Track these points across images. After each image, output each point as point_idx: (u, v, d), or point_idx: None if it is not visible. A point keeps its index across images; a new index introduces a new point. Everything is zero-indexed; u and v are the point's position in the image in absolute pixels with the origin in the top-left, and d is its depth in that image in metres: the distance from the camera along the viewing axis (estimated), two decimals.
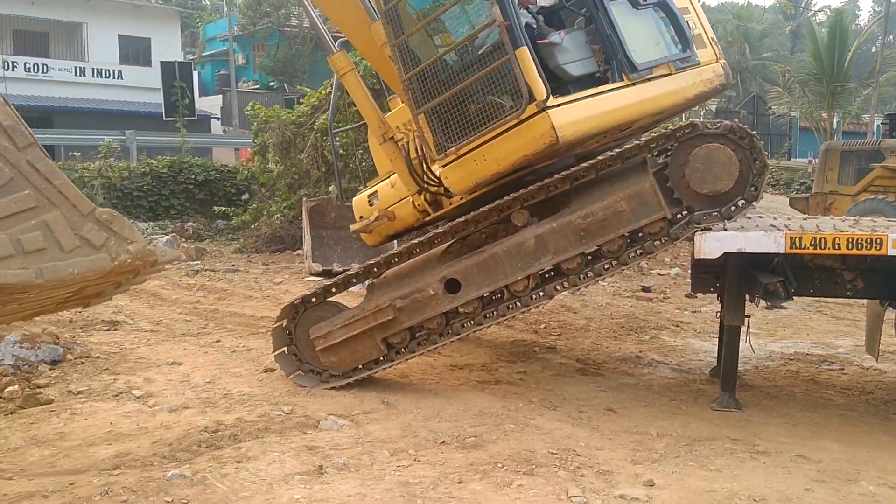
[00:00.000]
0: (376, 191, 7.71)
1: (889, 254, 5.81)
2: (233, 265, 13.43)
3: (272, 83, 39.36)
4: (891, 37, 47.58)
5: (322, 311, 6.96)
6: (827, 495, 4.92)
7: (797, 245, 5.88)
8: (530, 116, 5.87)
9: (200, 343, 8.21)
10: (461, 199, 6.97)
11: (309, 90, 17.16)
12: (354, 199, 8.04)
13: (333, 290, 6.98)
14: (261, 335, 8.52)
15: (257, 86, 40.00)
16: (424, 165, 6.95)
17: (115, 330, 8.72)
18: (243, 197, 18.26)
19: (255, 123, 16.28)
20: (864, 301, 7.75)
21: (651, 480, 5.02)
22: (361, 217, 7.66)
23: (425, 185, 7.00)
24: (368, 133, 8.11)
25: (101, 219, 3.55)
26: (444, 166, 6.52)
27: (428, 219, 7.37)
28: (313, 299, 6.99)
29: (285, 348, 6.97)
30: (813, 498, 4.88)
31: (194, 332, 8.68)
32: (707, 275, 6.95)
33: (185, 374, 7.07)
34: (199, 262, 13.52)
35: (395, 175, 7.31)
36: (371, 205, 7.68)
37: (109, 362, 7.39)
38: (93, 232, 3.50)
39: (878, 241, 5.75)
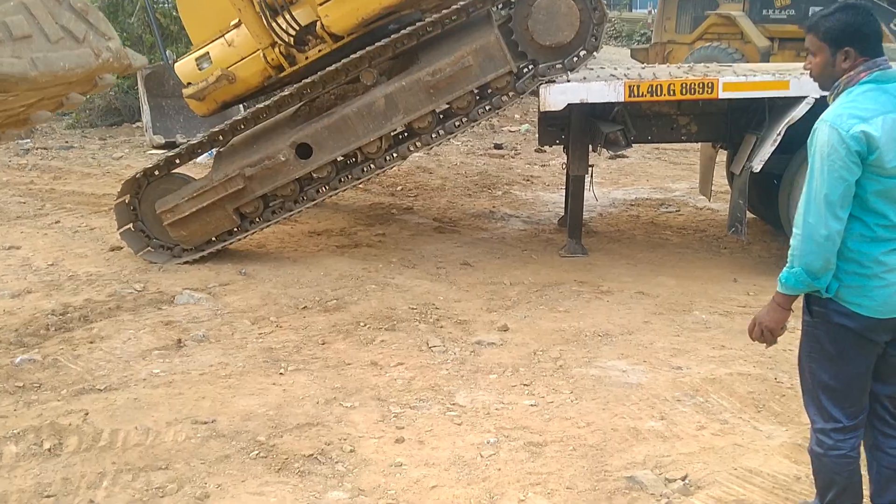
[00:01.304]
0: (207, 52, 6.89)
1: (720, 97, 6.13)
2: (66, 142, 12.55)
3: None
4: None
5: (167, 184, 6.68)
6: (664, 325, 5.36)
7: (635, 93, 6.10)
8: None
9: (38, 225, 7.74)
10: (318, 50, 6.60)
11: None
12: (176, 64, 7.13)
13: (177, 161, 6.70)
14: (104, 213, 8.12)
15: None
16: (283, 13, 6.46)
17: None
18: None
19: None
20: (699, 145, 8.22)
21: (505, 325, 5.29)
22: (190, 83, 6.87)
23: (284, 35, 6.49)
24: None
25: (76, 7, 3.23)
26: (322, 4, 6.19)
27: (274, 79, 6.87)
28: (157, 172, 6.68)
29: (131, 225, 6.70)
30: (651, 328, 5.30)
31: (30, 215, 8.16)
32: (553, 127, 7.12)
33: (25, 259, 6.69)
34: (28, 140, 12.57)
35: (233, 33, 6.77)
36: (201, 69, 6.89)
37: None
38: (72, 22, 3.20)
39: (710, 84, 6.04)
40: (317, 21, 6.41)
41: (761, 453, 3.68)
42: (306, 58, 6.67)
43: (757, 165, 5.92)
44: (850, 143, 2.50)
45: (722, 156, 7.53)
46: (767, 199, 7.00)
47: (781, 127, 5.84)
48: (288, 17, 6.43)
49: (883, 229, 2.60)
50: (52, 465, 3.49)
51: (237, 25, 6.69)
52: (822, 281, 2.62)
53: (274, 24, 6.43)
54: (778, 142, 5.86)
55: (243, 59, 6.69)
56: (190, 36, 7.24)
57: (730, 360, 4.74)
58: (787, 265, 2.65)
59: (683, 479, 3.46)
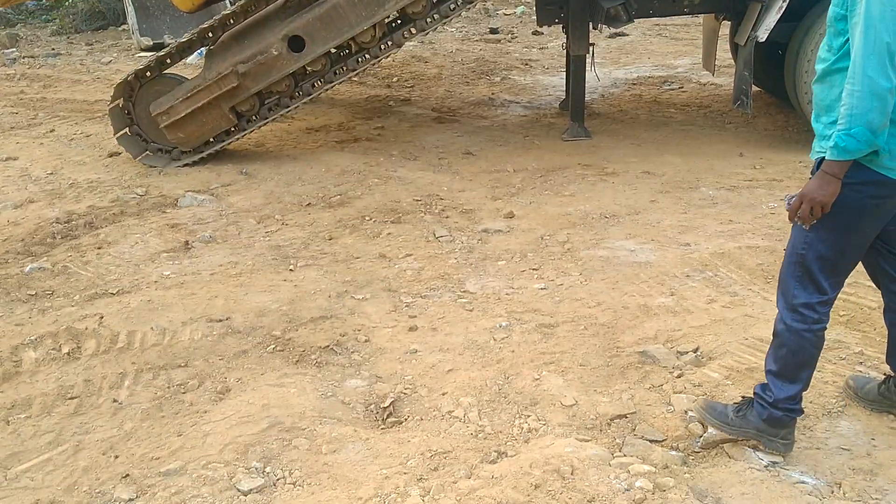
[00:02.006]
0: None
1: None
2: (53, 49, 12.26)
3: None
4: None
5: (160, 86, 6.53)
6: (670, 203, 5.34)
7: None
8: None
9: (33, 135, 7.63)
10: None
11: None
12: None
13: (168, 61, 6.54)
14: (98, 119, 8.00)
15: None
16: None
17: None
18: None
19: None
20: (700, 19, 7.99)
21: (511, 212, 5.27)
22: None
23: None
24: None
25: None
26: None
27: None
28: (148, 73, 6.53)
29: (127, 129, 6.59)
30: (657, 207, 5.28)
31: (24, 125, 8.03)
32: (551, 6, 6.89)
33: (24, 169, 6.62)
34: (14, 49, 12.27)
35: None
36: None
37: None
38: None
39: None
40: None
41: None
42: None
43: (762, 34, 5.75)
44: None
45: (725, 28, 7.32)
46: (772, 70, 6.85)
47: None
48: None
49: None
50: (73, 369, 3.54)
51: None
52: (882, 139, 2.38)
53: None
54: (783, 9, 5.67)
55: None
56: None
57: (738, 234, 4.74)
58: (842, 127, 2.34)
59: (695, 350, 3.50)
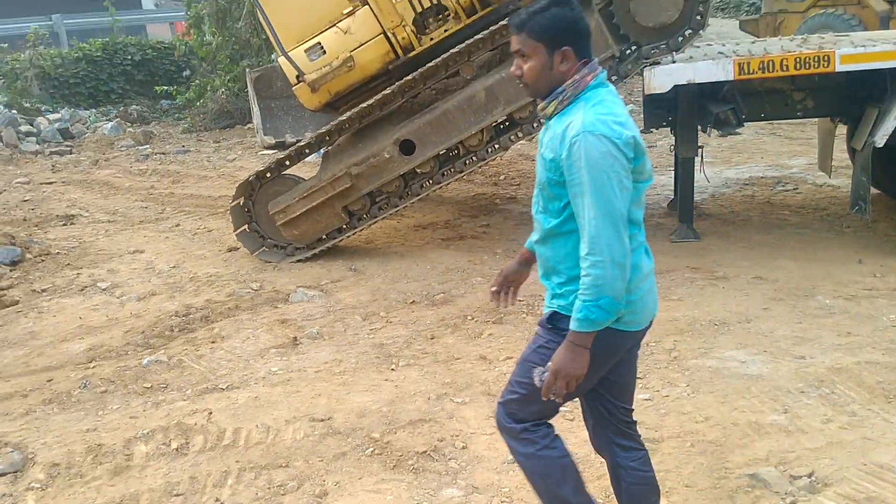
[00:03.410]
0: (318, 42, 6.65)
1: (837, 70, 5.81)
2: (183, 146, 13.13)
3: None
4: None
5: (279, 186, 6.87)
6: (784, 312, 5.14)
7: (745, 70, 5.85)
8: None
9: (160, 229, 8.13)
10: (444, 30, 6.58)
11: None
12: (280, 59, 6.77)
13: (287, 162, 6.88)
14: (220, 215, 8.45)
15: None
16: None
17: (72, 224, 8.58)
18: (184, 73, 17.59)
19: None
20: (816, 120, 7.83)
21: None
22: (300, 76, 6.58)
23: (412, 13, 6.53)
24: None
25: None
26: None
27: (394, 64, 6.68)
28: (268, 174, 6.89)
29: (246, 226, 6.93)
30: (770, 315, 5.10)
31: (152, 219, 8.57)
32: (659, 109, 6.92)
33: (149, 262, 7.04)
34: (147, 146, 13.20)
35: (346, 21, 6.60)
36: (313, 60, 6.64)
37: (70, 257, 7.31)
38: None
39: (826, 58, 5.73)
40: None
41: (893, 447, 3.49)
42: (431, 39, 6.64)
43: (880, 140, 5.59)
44: (626, 151, 2.29)
45: (841, 129, 7.15)
46: (893, 171, 6.61)
47: None
48: None
49: (633, 239, 2.42)
50: (180, 465, 3.65)
51: (350, 14, 6.63)
52: (622, 303, 2.34)
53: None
54: None
55: (362, 44, 6.54)
56: (280, 36, 6.84)
57: (856, 348, 4.51)
58: (589, 299, 2.27)
59: (810, 475, 3.31)
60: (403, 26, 6.54)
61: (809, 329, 4.84)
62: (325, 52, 6.54)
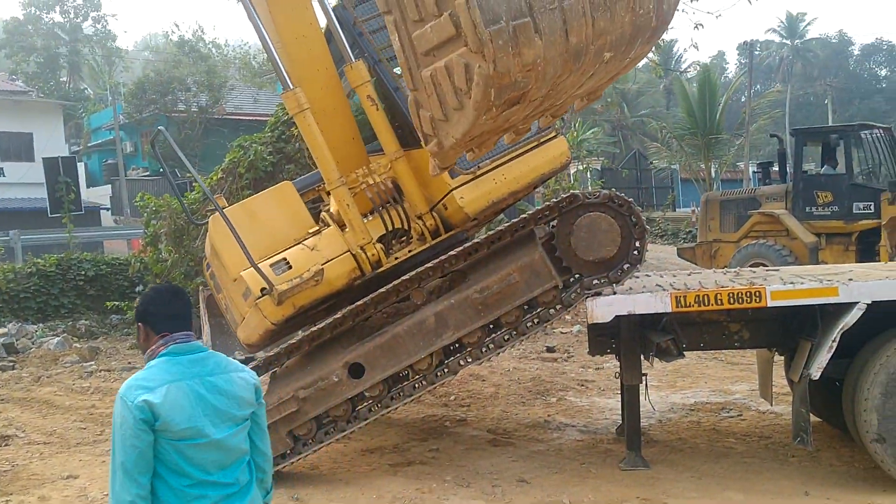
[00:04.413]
0: (283, 258, 6.61)
1: (769, 305, 6.11)
2: (129, 362, 12.92)
3: (163, 170, 38.49)
4: (758, 86, 50.71)
5: None
6: None
7: (682, 304, 6.13)
8: (550, 139, 7.01)
9: (97, 452, 7.81)
10: (409, 251, 6.87)
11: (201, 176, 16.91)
12: (243, 272, 6.61)
13: None
14: None
15: (147, 173, 39.17)
16: (395, 207, 6.92)
17: (6, 445, 8.21)
18: (137, 289, 17.66)
19: (146, 213, 15.92)
20: None
21: None
22: (266, 289, 6.40)
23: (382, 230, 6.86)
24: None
25: None
26: (457, 187, 6.70)
27: (360, 280, 6.76)
28: None
29: None
30: None
31: (90, 441, 8.26)
32: (602, 337, 7.13)
33: (82, 489, 6.70)
34: (92, 362, 12.97)
35: (312, 239, 6.71)
36: (278, 274, 6.52)
37: (1, 482, 6.95)
38: None
39: (758, 293, 6.05)
40: (420, 216, 6.82)
41: None
42: (395, 258, 6.86)
43: (815, 373, 5.79)
44: (136, 412, 2.78)
45: (780, 357, 7.39)
46: (832, 401, 6.78)
47: (835, 334, 5.76)
48: (399, 209, 6.84)
49: (190, 488, 2.84)
50: None
51: (315, 234, 6.80)
52: None
53: (386, 217, 6.81)
54: (834, 348, 5.76)
55: (329, 260, 6.60)
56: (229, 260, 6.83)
57: None
58: None
59: None
60: (372, 244, 6.73)
61: None
62: (290, 267, 6.56)
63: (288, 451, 6.62)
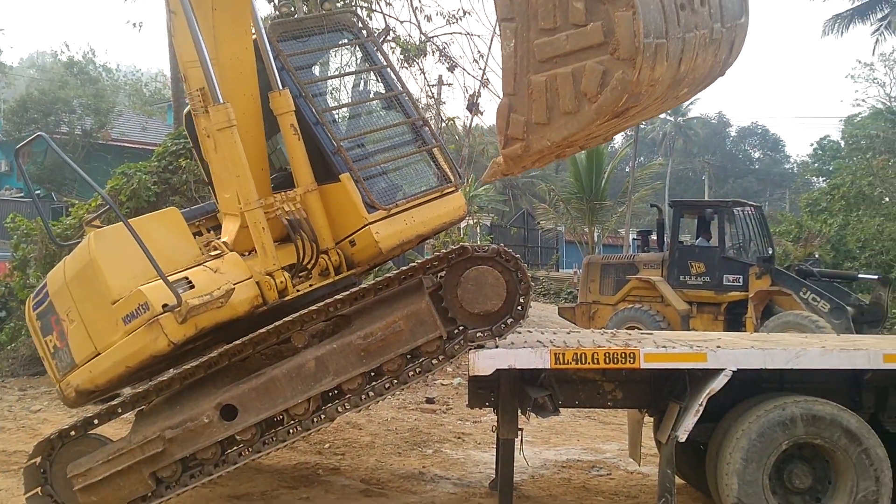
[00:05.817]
0: (185, 277, 6.26)
1: (642, 367, 6.31)
2: None
3: (39, 191, 36.75)
4: (641, 158, 53.07)
5: (83, 446, 6.39)
6: None
7: (561, 360, 6.25)
8: (451, 192, 7.47)
9: None
10: (310, 285, 6.83)
11: (77, 202, 16.22)
12: (144, 286, 6.16)
13: (96, 421, 6.45)
14: (13, 473, 7.67)
15: (21, 194, 37.21)
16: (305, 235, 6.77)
17: None
18: (0, 315, 16.65)
19: (15, 236, 15.09)
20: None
21: None
22: (165, 305, 6.05)
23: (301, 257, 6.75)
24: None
25: None
26: (374, 222, 6.86)
27: (259, 309, 6.57)
28: (72, 432, 6.41)
29: (39, 489, 6.30)
30: None
31: None
32: (483, 389, 7.16)
33: None
34: None
35: (216, 261, 6.49)
36: (182, 292, 6.13)
37: None
38: None
39: (632, 355, 6.24)
40: (326, 251, 6.89)
41: None
42: (297, 290, 6.75)
43: (682, 435, 5.99)
44: None
45: (650, 419, 7.62)
46: (696, 465, 7.02)
47: (703, 398, 5.99)
48: (313, 242, 6.77)
49: None
50: None
51: (217, 256, 6.60)
52: None
53: (299, 246, 6.70)
54: (700, 412, 5.98)
55: (234, 284, 6.36)
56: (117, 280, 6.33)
57: None
58: None
59: None
60: (281, 272, 6.64)
61: None
62: (193, 287, 6.23)
63: (149, 494, 6.28)
